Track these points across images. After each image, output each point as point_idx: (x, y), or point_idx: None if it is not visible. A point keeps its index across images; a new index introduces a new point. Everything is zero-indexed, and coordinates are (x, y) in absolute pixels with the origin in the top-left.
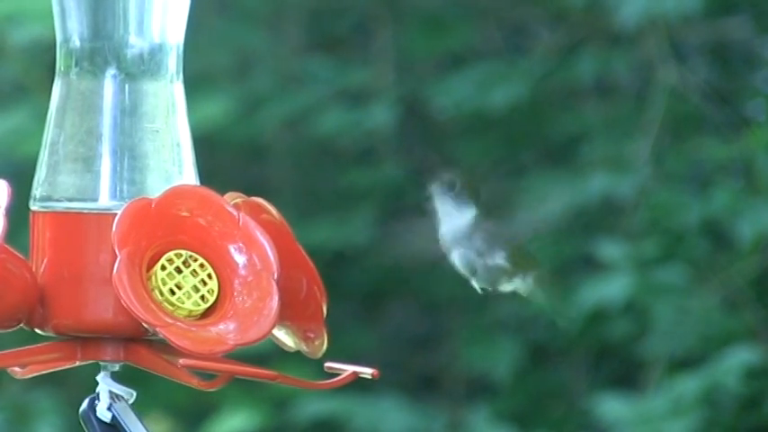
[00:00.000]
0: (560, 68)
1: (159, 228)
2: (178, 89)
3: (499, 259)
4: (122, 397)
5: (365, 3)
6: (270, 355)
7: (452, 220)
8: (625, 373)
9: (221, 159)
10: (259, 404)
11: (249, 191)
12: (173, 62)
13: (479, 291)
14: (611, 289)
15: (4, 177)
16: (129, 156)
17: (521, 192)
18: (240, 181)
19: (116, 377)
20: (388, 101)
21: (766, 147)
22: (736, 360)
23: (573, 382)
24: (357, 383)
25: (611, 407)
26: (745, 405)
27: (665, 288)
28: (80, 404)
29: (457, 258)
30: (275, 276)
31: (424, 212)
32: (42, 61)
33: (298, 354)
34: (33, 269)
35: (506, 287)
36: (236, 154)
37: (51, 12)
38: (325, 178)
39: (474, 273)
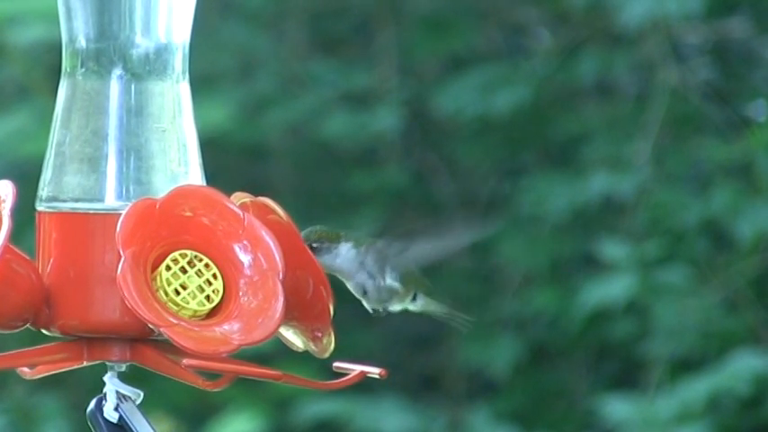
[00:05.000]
0: (561, 70)
1: (164, 228)
2: (184, 89)
3: (390, 281)
4: (129, 397)
5: (367, 4)
6: (272, 354)
7: (339, 266)
8: (626, 373)
9: (224, 161)
10: (260, 405)
11: (251, 193)
12: (179, 62)
13: (371, 312)
14: (612, 289)
15: (6, 178)
16: (135, 156)
17: (522, 192)
18: (242, 183)
19: (121, 376)
20: (392, 104)
21: (766, 147)
22: (742, 364)
23: (573, 382)
24: (357, 384)
25: (617, 408)
26: (747, 405)
27: (666, 288)
28: (85, 406)
29: (351, 287)
30: (281, 276)
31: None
32: (43, 62)
33: (300, 353)
34: (39, 270)
35: (396, 307)
36: (239, 156)
37: (52, 12)
38: (328, 181)
39: (365, 294)
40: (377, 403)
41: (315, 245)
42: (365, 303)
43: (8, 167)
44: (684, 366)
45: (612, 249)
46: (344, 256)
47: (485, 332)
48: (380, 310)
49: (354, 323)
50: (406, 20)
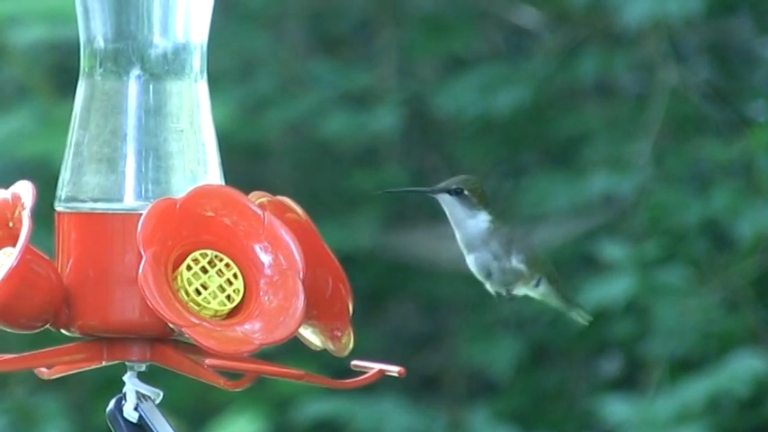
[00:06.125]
0: (561, 70)
1: (184, 228)
2: (202, 88)
3: (516, 263)
4: (149, 397)
5: (367, 4)
6: (273, 354)
7: (465, 225)
8: (626, 373)
9: (224, 161)
10: (261, 404)
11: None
12: (197, 61)
13: (494, 295)
14: (612, 289)
15: (7, 179)
16: (153, 156)
17: (522, 192)
18: (242, 183)
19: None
20: (392, 104)
21: (766, 147)
22: (741, 365)
23: (573, 382)
24: None
25: (616, 408)
26: (746, 406)
27: (666, 288)
28: (85, 407)
29: (473, 262)
30: (301, 275)
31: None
32: (43, 62)
33: (301, 353)
34: (59, 270)
35: (520, 291)
36: (239, 156)
37: (53, 12)
38: (328, 181)
39: (489, 276)
40: (377, 403)
41: (466, 192)
42: (488, 286)
43: (8, 168)
44: (684, 366)
45: (612, 249)
46: (476, 223)
47: (485, 332)
48: (504, 293)
49: (355, 323)
50: (406, 20)
